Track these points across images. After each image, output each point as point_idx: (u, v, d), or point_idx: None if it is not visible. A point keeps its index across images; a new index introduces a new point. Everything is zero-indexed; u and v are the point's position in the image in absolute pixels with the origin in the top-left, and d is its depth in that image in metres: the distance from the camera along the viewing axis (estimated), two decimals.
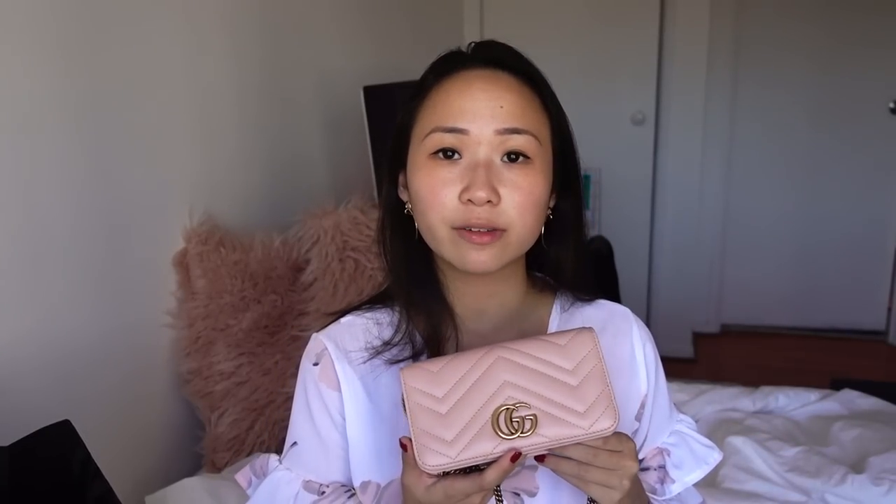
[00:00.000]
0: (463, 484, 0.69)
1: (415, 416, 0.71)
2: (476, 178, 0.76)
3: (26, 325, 1.33)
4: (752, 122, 3.66)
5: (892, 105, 3.52)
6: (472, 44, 0.85)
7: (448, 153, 0.78)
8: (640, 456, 0.92)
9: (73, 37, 1.41)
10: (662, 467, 0.92)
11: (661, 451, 0.93)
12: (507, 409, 0.71)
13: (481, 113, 0.77)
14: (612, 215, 3.58)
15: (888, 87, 3.52)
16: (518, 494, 0.84)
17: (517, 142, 0.78)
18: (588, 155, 3.86)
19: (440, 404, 0.71)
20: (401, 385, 0.73)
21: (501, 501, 0.78)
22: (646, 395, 0.91)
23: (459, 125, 0.77)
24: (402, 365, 0.85)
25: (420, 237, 0.84)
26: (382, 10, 2.76)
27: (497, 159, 0.78)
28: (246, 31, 1.99)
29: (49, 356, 1.37)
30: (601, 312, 0.93)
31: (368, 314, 0.89)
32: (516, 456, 0.69)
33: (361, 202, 1.96)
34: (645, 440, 0.92)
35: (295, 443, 0.88)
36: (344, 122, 2.41)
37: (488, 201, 0.76)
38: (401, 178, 0.85)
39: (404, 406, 0.72)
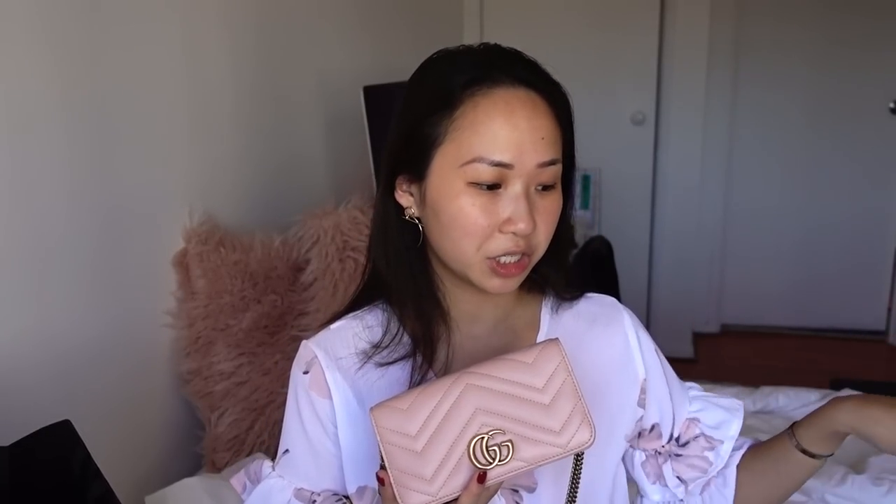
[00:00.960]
0: None
1: (391, 457, 0.71)
2: (520, 210, 0.77)
3: (26, 325, 1.33)
4: (752, 122, 3.66)
5: (892, 105, 3.52)
6: (491, 48, 0.82)
7: (491, 186, 0.77)
8: (676, 433, 0.94)
9: (71, 37, 1.40)
10: (702, 435, 0.94)
11: (692, 421, 0.95)
12: (482, 438, 0.70)
13: (525, 147, 0.76)
14: (612, 215, 3.59)
15: (888, 87, 3.52)
16: (517, 491, 0.84)
17: (550, 173, 0.79)
18: (588, 155, 3.84)
19: (414, 442, 0.71)
20: (372, 427, 0.72)
21: None
22: (644, 380, 0.92)
23: (505, 160, 0.76)
24: (393, 367, 0.85)
25: (423, 244, 0.83)
26: (382, 11, 2.76)
27: (532, 188, 0.79)
28: (246, 31, 1.99)
29: (49, 356, 1.37)
30: (591, 305, 0.94)
31: (358, 318, 0.89)
32: (482, 477, 0.69)
33: (361, 202, 1.96)
34: (674, 420, 0.94)
35: (287, 450, 0.89)
36: (344, 122, 2.41)
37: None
38: (401, 183, 0.83)
39: (380, 449, 0.71)
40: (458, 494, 0.70)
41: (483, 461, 0.70)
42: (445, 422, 0.71)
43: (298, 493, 0.87)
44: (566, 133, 0.82)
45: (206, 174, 1.83)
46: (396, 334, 0.85)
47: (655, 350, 0.95)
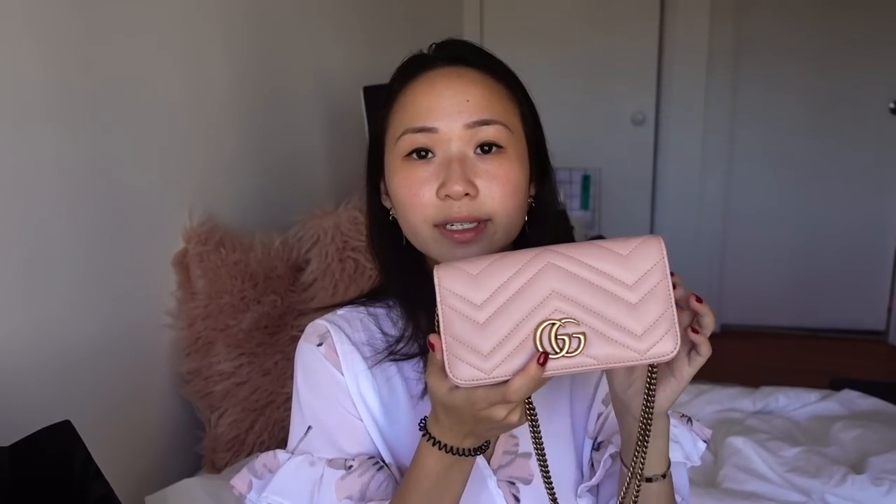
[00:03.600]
0: (487, 393, 0.64)
1: (448, 322, 0.65)
2: (451, 173, 0.77)
3: (27, 326, 1.33)
4: (752, 122, 3.66)
5: (892, 105, 3.52)
6: (434, 45, 0.85)
7: (421, 153, 0.79)
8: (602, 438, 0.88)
9: (72, 38, 1.41)
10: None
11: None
12: (553, 323, 0.64)
13: (448, 110, 0.78)
14: (612, 215, 3.58)
15: (888, 87, 3.52)
16: (513, 483, 0.84)
17: (487, 133, 0.78)
18: (588, 155, 3.85)
19: (478, 312, 0.64)
20: (434, 285, 0.66)
21: (533, 411, 0.69)
22: None
23: (428, 124, 0.78)
24: (410, 362, 0.85)
25: (408, 241, 0.84)
26: (382, 10, 2.76)
27: (470, 152, 0.78)
28: (246, 31, 1.99)
29: (49, 356, 1.37)
30: None
31: (362, 308, 0.90)
32: (545, 358, 0.63)
33: (361, 202, 1.94)
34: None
35: (309, 427, 0.85)
36: (344, 122, 2.41)
37: (466, 194, 0.77)
38: (382, 187, 0.86)
39: (437, 311, 0.66)
40: (509, 378, 0.63)
41: (549, 349, 0.63)
42: (516, 298, 0.65)
43: (331, 462, 0.82)
44: (520, 105, 0.83)
45: (206, 174, 1.83)
46: (412, 333, 0.86)
47: None
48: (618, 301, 0.65)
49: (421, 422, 0.74)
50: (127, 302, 1.57)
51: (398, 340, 0.85)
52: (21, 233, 1.31)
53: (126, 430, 1.58)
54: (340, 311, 0.90)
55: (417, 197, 0.78)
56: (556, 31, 3.53)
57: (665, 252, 0.66)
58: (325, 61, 2.38)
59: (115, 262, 1.53)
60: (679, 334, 0.64)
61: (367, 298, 0.92)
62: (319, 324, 0.88)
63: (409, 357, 0.85)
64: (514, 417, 0.66)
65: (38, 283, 1.35)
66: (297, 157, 2.26)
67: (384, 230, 0.87)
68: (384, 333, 0.87)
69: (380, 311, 0.89)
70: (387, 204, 0.86)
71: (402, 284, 0.87)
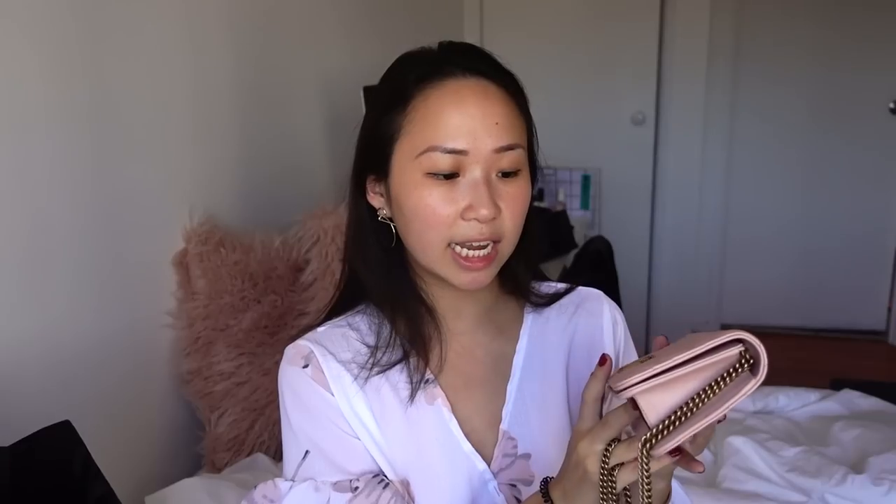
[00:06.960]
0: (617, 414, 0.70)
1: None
2: (480, 196, 0.77)
3: (26, 326, 1.33)
4: (752, 122, 3.66)
5: (892, 105, 3.52)
6: (446, 45, 0.83)
7: (447, 174, 0.78)
8: None
9: (73, 37, 1.40)
10: None
11: None
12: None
13: (478, 132, 0.77)
14: (612, 215, 3.58)
15: (888, 86, 3.53)
16: (514, 486, 0.84)
17: (511, 158, 0.79)
18: (588, 155, 3.85)
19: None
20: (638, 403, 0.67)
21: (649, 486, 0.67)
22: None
23: (459, 146, 0.77)
24: (395, 368, 0.84)
25: (397, 244, 0.84)
26: (383, 10, 2.76)
27: (493, 175, 0.79)
28: (246, 30, 1.99)
29: (49, 357, 1.37)
30: (575, 297, 0.95)
31: (342, 322, 0.88)
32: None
33: None
34: None
35: (307, 452, 0.83)
36: (344, 122, 2.39)
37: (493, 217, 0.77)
38: (371, 185, 0.85)
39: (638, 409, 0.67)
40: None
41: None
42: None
43: (336, 485, 0.81)
44: (527, 120, 0.83)
45: (207, 174, 1.83)
46: (390, 338, 0.85)
47: (626, 337, 0.95)
48: None
49: (542, 482, 0.76)
50: (127, 302, 1.57)
51: (383, 350, 0.84)
52: (22, 233, 1.31)
53: (126, 429, 1.58)
54: (321, 329, 0.88)
55: (440, 217, 0.78)
56: (555, 31, 3.53)
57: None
58: (326, 61, 2.38)
59: (115, 262, 1.53)
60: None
61: (341, 309, 0.90)
62: (302, 345, 0.86)
63: (392, 365, 0.84)
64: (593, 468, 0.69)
65: (38, 283, 1.35)
66: (297, 157, 2.26)
67: (370, 229, 0.86)
68: (368, 347, 0.85)
69: (360, 322, 0.88)
70: (375, 203, 0.85)
71: (386, 286, 0.86)
